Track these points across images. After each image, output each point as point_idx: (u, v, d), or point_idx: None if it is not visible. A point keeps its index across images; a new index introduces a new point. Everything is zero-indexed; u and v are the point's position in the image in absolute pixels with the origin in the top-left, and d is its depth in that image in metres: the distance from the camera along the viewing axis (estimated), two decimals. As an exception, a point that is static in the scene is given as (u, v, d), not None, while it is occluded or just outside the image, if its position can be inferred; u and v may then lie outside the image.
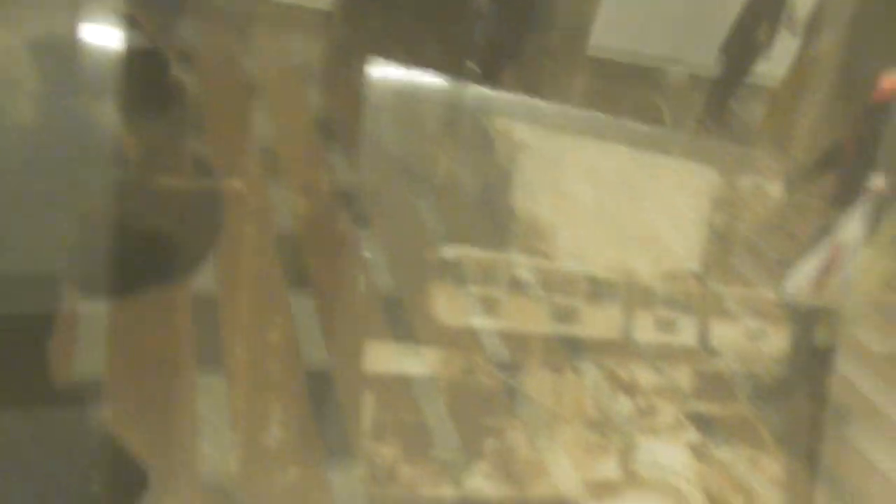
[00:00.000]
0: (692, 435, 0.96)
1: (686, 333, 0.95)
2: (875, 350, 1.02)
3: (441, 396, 0.86)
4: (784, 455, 0.97)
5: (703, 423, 0.97)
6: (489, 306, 0.90)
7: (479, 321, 0.89)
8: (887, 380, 1.00)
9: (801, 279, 0.95)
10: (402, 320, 0.85)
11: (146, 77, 0.60)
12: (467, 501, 0.84)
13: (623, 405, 0.94)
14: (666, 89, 1.48)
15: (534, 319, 0.91)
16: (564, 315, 0.92)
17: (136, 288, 0.59)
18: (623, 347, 0.94)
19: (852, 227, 0.93)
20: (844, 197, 0.99)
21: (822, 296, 0.99)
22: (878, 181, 0.99)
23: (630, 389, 0.95)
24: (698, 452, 0.96)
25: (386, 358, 0.86)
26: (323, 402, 0.83)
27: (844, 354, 0.98)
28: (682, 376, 0.95)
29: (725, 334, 0.95)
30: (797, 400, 0.97)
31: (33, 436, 0.44)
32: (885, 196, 1.02)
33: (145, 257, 0.53)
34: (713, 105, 1.63)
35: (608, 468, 0.93)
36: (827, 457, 1.02)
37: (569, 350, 0.91)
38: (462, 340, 0.88)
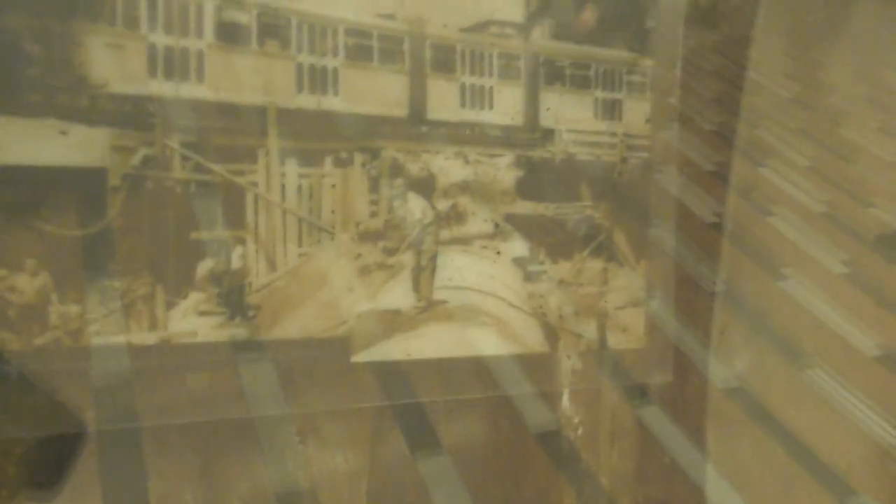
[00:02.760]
0: (518, 246, 0.70)
1: (506, 108, 0.67)
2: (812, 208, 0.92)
3: (116, 199, 0.53)
4: (651, 271, 0.74)
5: (532, 231, 0.71)
6: (184, 66, 0.57)
7: (170, 88, 0.56)
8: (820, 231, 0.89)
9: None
10: (39, 83, 0.50)
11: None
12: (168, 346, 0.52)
13: (416, 209, 0.65)
14: None
15: (263, 86, 0.58)
16: (315, 81, 0.61)
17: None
18: (411, 128, 0.64)
19: None
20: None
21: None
22: None
23: (425, 186, 0.66)
24: (528, 270, 0.71)
25: (13, 140, 0.51)
26: None
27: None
28: (502, 167, 0.68)
29: (563, 108, 0.68)
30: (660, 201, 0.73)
31: None
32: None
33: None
34: None
35: (395, 295, 0.64)
36: (751, 297, 0.83)
37: (324, 131, 0.60)
38: (140, 117, 0.54)
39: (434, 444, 0.65)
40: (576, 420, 0.76)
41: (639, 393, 0.78)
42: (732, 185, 0.89)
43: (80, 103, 0.51)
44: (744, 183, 0.90)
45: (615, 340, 0.71)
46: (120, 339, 0.52)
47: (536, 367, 0.71)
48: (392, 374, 0.62)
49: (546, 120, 0.66)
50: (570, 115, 0.67)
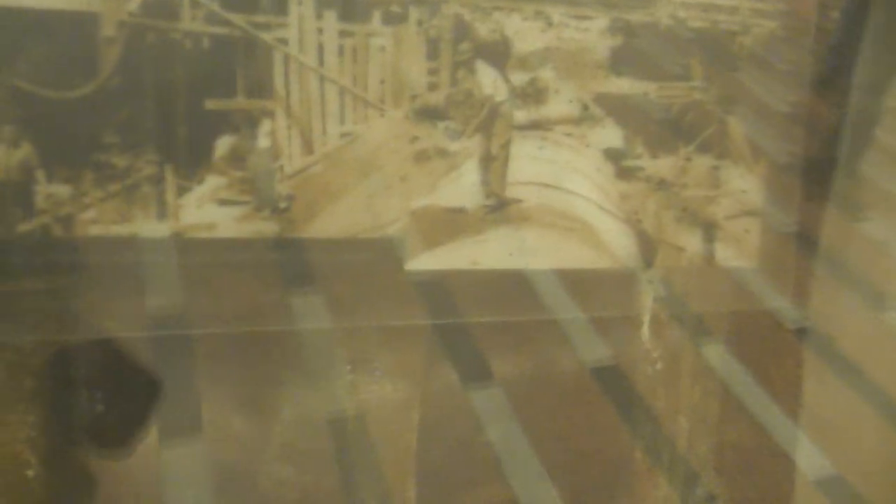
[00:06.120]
0: (610, 135, 0.56)
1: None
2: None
3: (111, 53, 0.42)
4: (770, 169, 0.60)
5: (629, 116, 0.57)
6: None
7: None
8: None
9: None
10: None
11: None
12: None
13: (485, 82, 0.53)
14: None
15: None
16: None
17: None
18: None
19: None
20: None
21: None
22: None
23: (497, 53, 0.53)
24: (622, 165, 0.58)
25: None
26: None
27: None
28: (594, 33, 0.54)
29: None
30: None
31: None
32: None
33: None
34: None
35: (459, 190, 0.53)
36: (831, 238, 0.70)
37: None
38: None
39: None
40: (654, 354, 0.65)
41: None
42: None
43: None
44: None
45: (724, 255, 0.58)
46: (122, 229, 0.42)
47: (617, 285, 0.59)
48: (451, 285, 0.51)
49: (651, -26, 0.53)
50: (682, -32, 0.54)
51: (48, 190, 0.41)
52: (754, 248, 0.59)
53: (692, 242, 0.57)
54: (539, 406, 0.60)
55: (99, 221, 0.42)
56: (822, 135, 0.67)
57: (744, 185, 0.57)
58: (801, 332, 0.67)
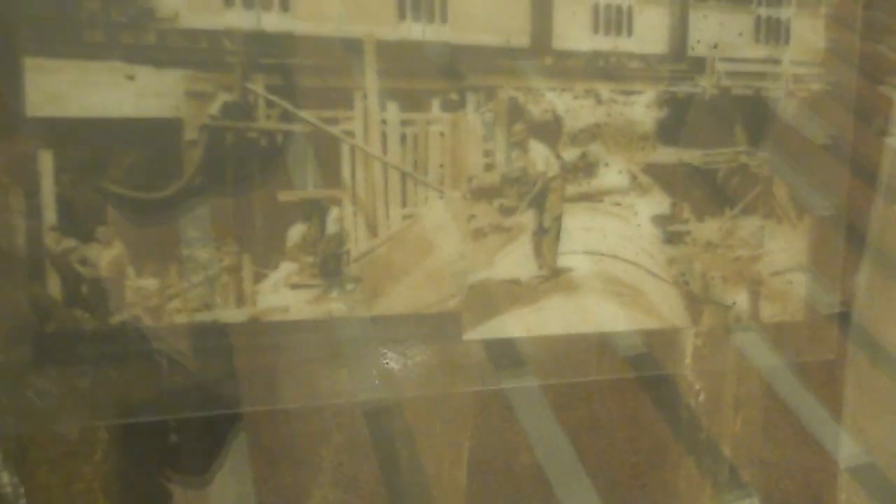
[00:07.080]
0: (658, 203, 0.58)
1: (648, 32, 0.55)
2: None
3: (194, 155, 0.45)
4: (814, 226, 0.61)
5: (675, 183, 0.59)
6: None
7: (250, 19, 0.46)
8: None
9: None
10: (100, 18, 0.42)
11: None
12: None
13: (538, 159, 0.55)
14: None
15: (359, 13, 0.48)
16: (419, 5, 0.50)
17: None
18: (533, 61, 0.53)
19: None
20: None
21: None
22: None
23: (549, 132, 0.55)
24: (669, 230, 0.60)
25: (74, 89, 0.43)
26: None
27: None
28: (641, 106, 0.56)
29: (716, 30, 0.55)
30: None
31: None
32: None
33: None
34: None
35: (514, 262, 0.55)
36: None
37: (431, 67, 0.50)
38: (216, 55, 0.46)
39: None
40: (697, 386, 0.67)
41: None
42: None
43: (148, 41, 0.43)
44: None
45: (769, 312, 0.60)
46: (205, 316, 0.45)
47: (662, 342, 0.61)
48: (507, 352, 0.53)
49: (696, 47, 0.54)
50: (726, 38, 0.55)
51: (137, 284, 0.44)
52: (800, 303, 0.60)
53: (738, 300, 0.58)
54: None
55: (183, 310, 0.45)
56: (866, 186, 0.67)
57: (788, 243, 0.59)
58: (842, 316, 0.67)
